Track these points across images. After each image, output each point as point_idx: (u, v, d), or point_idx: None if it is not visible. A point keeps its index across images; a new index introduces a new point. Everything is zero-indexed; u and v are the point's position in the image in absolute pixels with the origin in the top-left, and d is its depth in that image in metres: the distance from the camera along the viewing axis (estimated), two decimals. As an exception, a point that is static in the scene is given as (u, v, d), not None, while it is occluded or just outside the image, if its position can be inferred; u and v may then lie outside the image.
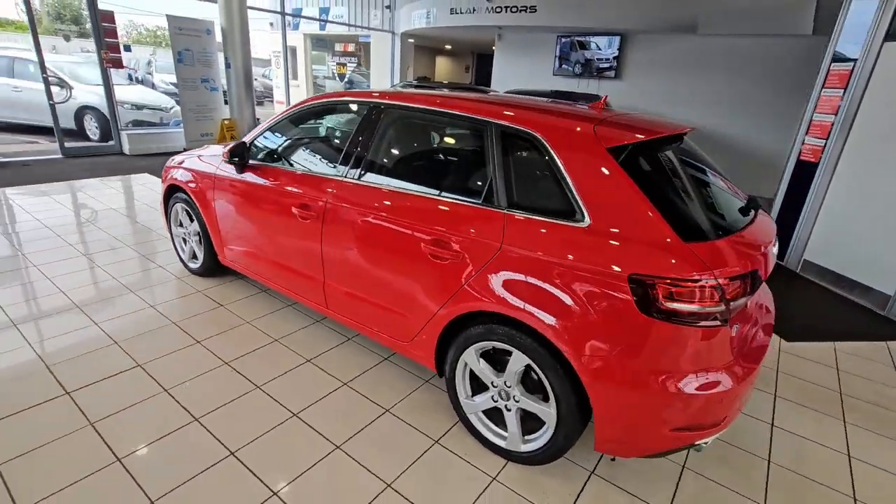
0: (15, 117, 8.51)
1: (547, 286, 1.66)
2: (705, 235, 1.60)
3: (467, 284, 1.85)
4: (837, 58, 4.07)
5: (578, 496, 1.83)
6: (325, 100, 2.59)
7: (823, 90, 4.18)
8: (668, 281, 1.48)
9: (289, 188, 2.49)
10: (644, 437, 1.66)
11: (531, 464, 1.93)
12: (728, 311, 1.53)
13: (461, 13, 8.85)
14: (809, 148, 4.31)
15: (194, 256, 3.35)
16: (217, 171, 2.89)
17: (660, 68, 8.06)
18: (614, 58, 8.36)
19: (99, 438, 1.92)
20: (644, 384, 1.56)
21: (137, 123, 8.49)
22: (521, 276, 1.72)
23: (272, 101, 16.02)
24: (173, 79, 8.24)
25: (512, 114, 1.88)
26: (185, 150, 5.46)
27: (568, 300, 1.62)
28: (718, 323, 1.53)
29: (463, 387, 2.05)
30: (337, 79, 15.60)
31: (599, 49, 8.50)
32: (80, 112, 8.17)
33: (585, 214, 1.65)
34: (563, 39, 8.89)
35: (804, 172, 4.35)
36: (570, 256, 1.63)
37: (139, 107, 8.63)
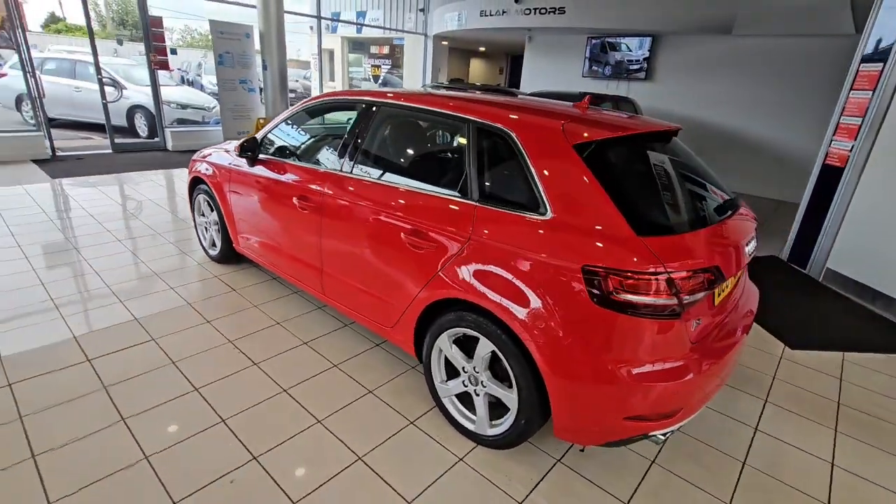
0: (75, 115, 9.24)
1: (509, 276, 1.74)
2: (663, 230, 1.63)
3: (440, 273, 1.95)
4: (867, 58, 3.90)
5: (540, 481, 1.89)
6: (324, 99, 2.75)
7: (852, 92, 4.01)
8: (616, 272, 1.53)
9: (292, 181, 2.67)
10: (598, 425, 1.71)
11: (496, 447, 2.00)
12: (681, 305, 1.57)
13: (490, 15, 8.93)
14: (836, 152, 4.14)
15: (213, 244, 3.60)
16: (232, 165, 3.11)
17: (692, 70, 7.86)
18: (644, 59, 8.21)
19: (109, 400, 2.14)
20: (596, 373, 1.61)
21: (182, 121, 9.05)
22: (486, 266, 1.80)
23: (311, 102, 16.55)
24: (219, 80, 8.75)
25: (487, 111, 1.97)
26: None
27: (528, 290, 1.69)
28: (671, 316, 1.57)
29: (438, 371, 2.15)
30: (371, 80, 15.99)
31: (630, 50, 8.38)
32: (132, 111, 8.79)
33: (548, 208, 1.71)
34: (594, 41, 8.80)
35: (829, 177, 4.19)
36: (532, 248, 1.70)
37: (184, 106, 9.19)
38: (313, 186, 2.52)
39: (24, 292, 3.01)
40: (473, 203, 1.90)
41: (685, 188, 1.97)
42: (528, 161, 1.79)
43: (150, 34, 7.19)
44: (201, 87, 14.75)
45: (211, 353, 2.55)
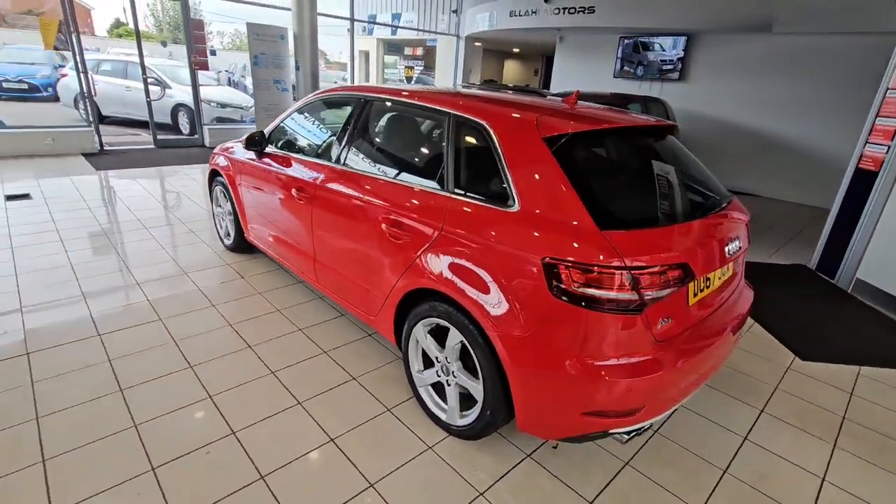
0: (126, 113, 9.85)
1: (475, 267, 1.75)
2: (629, 224, 1.61)
3: (415, 263, 1.99)
4: (906, 55, 3.65)
5: (506, 474, 1.89)
6: (322, 95, 2.86)
7: (889, 91, 3.76)
8: (574, 265, 1.52)
9: (291, 173, 2.78)
10: (556, 419, 1.70)
11: (465, 438, 2.02)
12: (642, 301, 1.54)
13: (520, 15, 8.89)
14: (870, 155, 3.89)
15: (228, 234, 3.78)
16: (243, 158, 3.26)
17: (728, 69, 7.55)
18: (679, 59, 7.96)
19: (111, 373, 2.30)
20: (553, 365, 1.60)
21: (221, 120, 9.49)
22: (454, 257, 1.83)
23: (347, 103, 16.97)
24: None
25: (466, 104, 1.99)
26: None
27: (492, 282, 1.70)
28: (631, 311, 1.54)
29: (416, 361, 2.18)
30: (404, 81, 16.22)
31: (664, 50, 8.14)
32: (175, 109, 9.30)
33: (516, 200, 1.72)
34: (626, 41, 8.60)
35: (862, 182, 3.94)
36: (498, 240, 1.71)
37: (223, 105, 9.63)
38: (307, 178, 2.62)
39: (54, 272, 3.26)
40: (447, 194, 1.93)
41: (663, 184, 1.92)
42: (501, 153, 1.80)
43: (192, 37, 7.59)
44: (245, 88, 15.37)
45: (211, 335, 2.68)
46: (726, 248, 1.84)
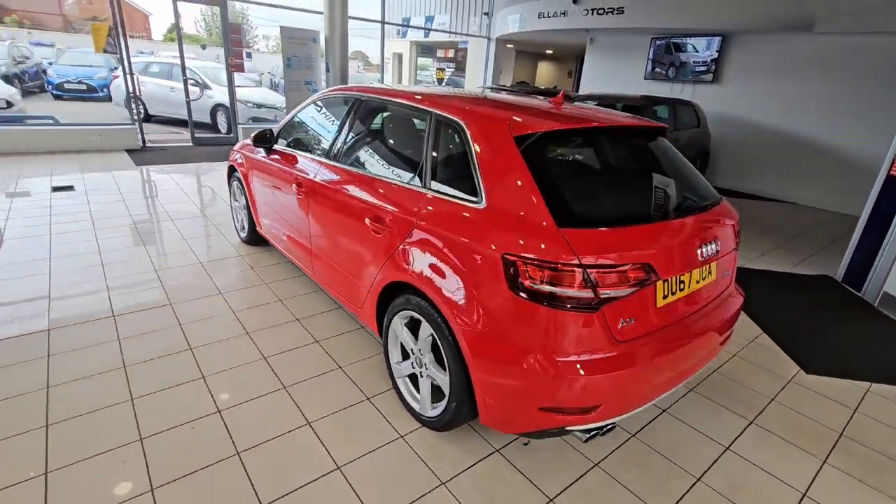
0: (170, 112, 10.43)
1: (442, 262, 1.80)
2: (590, 223, 1.61)
3: (393, 256, 2.05)
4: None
5: (471, 466, 1.93)
6: (324, 95, 2.98)
7: (924, 94, 3.53)
8: (530, 261, 1.54)
9: (293, 169, 2.91)
10: (514, 413, 1.72)
11: (434, 428, 2.06)
12: (598, 299, 1.54)
13: (549, 17, 8.83)
14: (902, 161, 3.67)
15: (243, 227, 3.96)
16: (255, 154, 3.43)
17: (764, 71, 7.24)
18: (712, 60, 7.69)
19: (119, 353, 2.48)
20: (510, 360, 1.63)
21: (256, 119, 9.89)
22: (425, 251, 1.88)
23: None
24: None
25: (446, 104, 2.04)
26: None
27: (456, 276, 1.75)
28: (586, 309, 1.55)
29: (394, 352, 2.25)
30: (436, 83, 16.35)
31: (697, 51, 7.89)
32: (214, 109, 9.76)
33: (483, 196, 1.76)
34: (658, 42, 8.39)
35: (893, 190, 3.71)
36: (464, 234, 1.75)
37: (258, 105, 10.04)
38: (306, 174, 2.73)
39: (84, 258, 3.53)
40: (424, 191, 1.98)
41: (634, 184, 1.91)
42: (473, 151, 1.84)
43: (230, 40, 7.97)
44: (283, 89, 15.95)
45: (213, 321, 2.84)
46: (702, 251, 1.81)
